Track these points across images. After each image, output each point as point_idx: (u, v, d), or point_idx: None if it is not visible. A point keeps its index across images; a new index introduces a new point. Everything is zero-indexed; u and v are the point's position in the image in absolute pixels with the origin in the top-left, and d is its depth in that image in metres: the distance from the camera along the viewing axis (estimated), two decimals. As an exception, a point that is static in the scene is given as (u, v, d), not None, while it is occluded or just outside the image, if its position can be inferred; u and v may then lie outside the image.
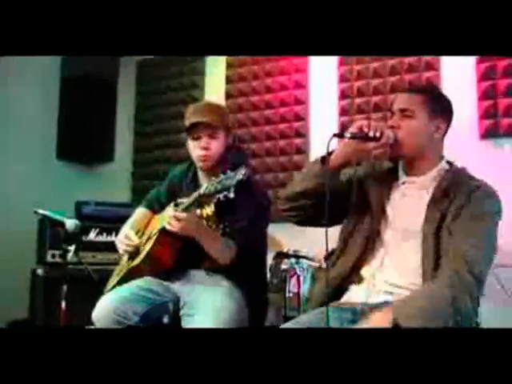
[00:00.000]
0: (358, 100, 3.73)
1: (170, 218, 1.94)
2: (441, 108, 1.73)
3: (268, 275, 2.78)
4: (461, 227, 1.58)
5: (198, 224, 1.99)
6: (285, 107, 3.99)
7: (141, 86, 4.69)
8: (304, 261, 2.94)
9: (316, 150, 3.76)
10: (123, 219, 2.35)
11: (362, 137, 1.64)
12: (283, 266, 2.93)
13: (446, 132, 1.75)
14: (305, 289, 2.90)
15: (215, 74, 4.33)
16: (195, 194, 1.91)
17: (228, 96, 4.21)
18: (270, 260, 2.90)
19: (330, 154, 1.67)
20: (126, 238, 2.18)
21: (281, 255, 2.99)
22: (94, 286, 2.34)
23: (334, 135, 1.64)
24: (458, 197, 1.62)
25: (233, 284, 2.08)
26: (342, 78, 3.80)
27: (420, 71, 3.55)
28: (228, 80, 4.24)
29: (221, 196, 1.78)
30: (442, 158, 1.76)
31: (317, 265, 2.92)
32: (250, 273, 2.11)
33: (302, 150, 3.89)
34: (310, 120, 3.91)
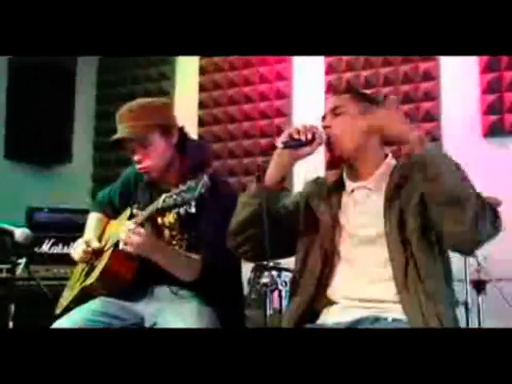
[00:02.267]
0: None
1: (124, 234, 1.94)
2: (370, 101, 1.84)
3: (246, 290, 2.76)
4: (433, 197, 1.60)
5: (154, 243, 1.99)
6: (265, 101, 4.02)
7: (103, 76, 4.67)
8: (286, 273, 2.93)
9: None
10: (82, 227, 2.33)
11: (294, 144, 1.72)
12: (263, 280, 2.89)
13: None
14: (286, 304, 2.90)
15: (187, 62, 4.33)
16: (153, 207, 1.90)
17: (202, 88, 4.22)
18: (248, 273, 2.92)
19: (263, 171, 1.76)
20: (85, 243, 2.17)
21: (260, 267, 2.97)
22: (48, 305, 2.31)
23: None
24: (411, 180, 1.70)
25: (203, 301, 2.07)
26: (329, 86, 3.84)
27: (416, 61, 3.60)
28: (202, 70, 4.24)
29: (180, 210, 1.79)
30: (386, 155, 1.83)
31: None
32: (222, 288, 2.10)
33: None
34: (293, 116, 3.95)
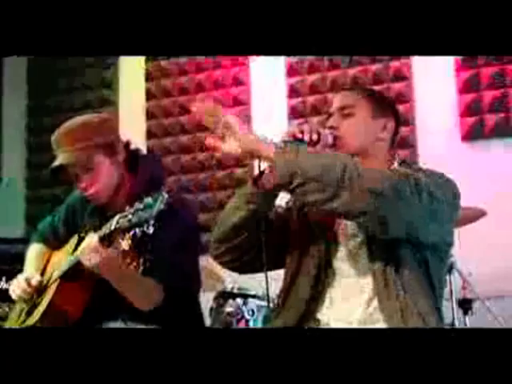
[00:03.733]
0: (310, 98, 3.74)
1: (85, 247, 1.90)
2: (383, 105, 1.85)
3: (208, 320, 2.72)
4: None
5: (114, 263, 1.94)
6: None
7: (34, 83, 4.56)
8: (253, 301, 2.88)
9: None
10: (17, 258, 2.32)
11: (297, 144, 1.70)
12: (227, 309, 2.88)
13: (396, 132, 1.85)
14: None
15: (131, 67, 4.25)
16: (105, 229, 1.86)
17: (149, 96, 4.13)
18: (210, 301, 2.87)
19: (261, 173, 1.74)
20: (25, 280, 2.12)
21: (224, 295, 2.94)
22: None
23: None
24: None
25: None
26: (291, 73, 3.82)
27: (387, 60, 3.61)
28: (148, 76, 4.17)
29: (137, 231, 1.76)
30: (392, 161, 1.83)
31: (270, 305, 2.86)
32: (179, 318, 2.07)
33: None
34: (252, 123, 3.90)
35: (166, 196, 1.73)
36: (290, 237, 1.83)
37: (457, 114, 3.43)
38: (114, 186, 2.08)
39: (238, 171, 3.89)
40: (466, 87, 3.42)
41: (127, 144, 2.14)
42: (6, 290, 2.97)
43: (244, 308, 2.83)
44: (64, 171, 2.09)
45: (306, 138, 1.69)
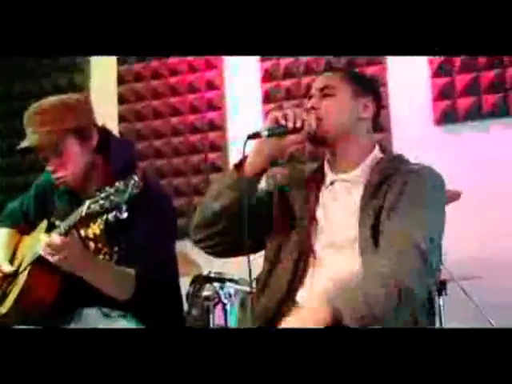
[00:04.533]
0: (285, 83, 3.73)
1: (44, 247, 1.84)
2: (364, 84, 1.86)
3: (185, 306, 2.71)
4: (401, 213, 1.64)
5: (82, 254, 1.90)
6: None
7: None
8: (230, 284, 2.89)
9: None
10: None
11: (280, 132, 1.70)
12: (204, 293, 2.88)
13: (376, 114, 1.85)
14: (232, 320, 2.86)
15: (102, 70, 4.20)
16: (76, 215, 1.82)
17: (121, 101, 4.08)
18: (186, 286, 2.85)
19: (243, 159, 1.75)
20: None
21: (200, 279, 2.93)
22: None
23: (249, 137, 1.71)
24: (393, 186, 1.69)
25: (139, 324, 2.01)
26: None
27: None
28: (120, 80, 4.11)
29: (109, 216, 1.74)
30: (374, 145, 1.83)
31: (247, 289, 2.88)
32: (159, 305, 2.05)
33: (217, 146, 3.86)
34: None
35: (138, 180, 1.71)
36: (271, 220, 1.83)
37: (430, 97, 3.45)
38: (84, 171, 2.04)
39: (213, 155, 3.89)
40: (438, 72, 3.44)
41: (101, 128, 2.10)
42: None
43: (221, 292, 2.82)
44: (33, 152, 2.06)
45: (290, 124, 1.69)
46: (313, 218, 1.77)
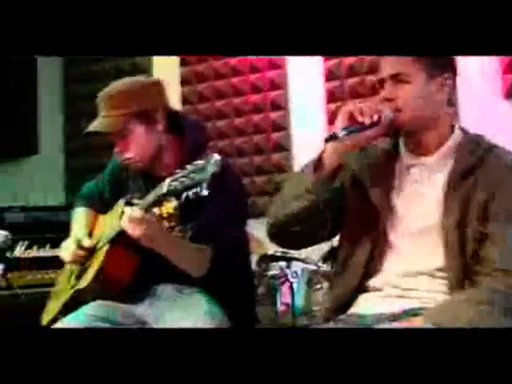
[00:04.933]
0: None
1: (126, 220, 1.88)
2: (439, 62, 1.70)
3: None
4: (499, 223, 1.57)
5: (162, 230, 1.94)
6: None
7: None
8: (296, 263, 2.90)
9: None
10: (60, 226, 2.32)
11: (356, 129, 1.64)
12: (271, 272, 2.91)
13: (453, 90, 1.74)
14: (299, 299, 2.88)
15: (164, 68, 4.21)
16: (156, 193, 1.84)
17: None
18: (253, 265, 2.88)
19: (319, 159, 1.70)
20: (75, 242, 2.12)
21: (266, 258, 2.96)
22: (29, 317, 2.24)
23: (326, 140, 1.66)
24: (484, 176, 1.62)
25: (212, 300, 2.04)
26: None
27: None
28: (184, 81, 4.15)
29: (190, 193, 1.73)
30: (453, 125, 1.74)
31: (313, 267, 2.89)
32: (232, 284, 2.08)
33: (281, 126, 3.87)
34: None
35: (219, 158, 1.72)
36: (345, 208, 1.78)
37: (500, 70, 3.33)
38: (152, 153, 2.07)
39: (274, 135, 3.91)
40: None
41: (170, 111, 2.13)
42: (51, 258, 3.03)
43: (288, 271, 2.85)
44: (100, 135, 2.11)
45: (367, 121, 1.62)
46: (389, 204, 1.72)
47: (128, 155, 2.07)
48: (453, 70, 1.73)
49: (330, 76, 3.76)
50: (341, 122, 1.65)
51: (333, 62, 3.75)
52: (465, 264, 1.59)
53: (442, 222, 1.63)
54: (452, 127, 1.74)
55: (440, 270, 1.63)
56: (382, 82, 1.71)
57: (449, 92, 1.71)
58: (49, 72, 4.49)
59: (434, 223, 1.64)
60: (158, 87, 2.14)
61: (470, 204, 1.60)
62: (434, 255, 1.64)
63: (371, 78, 3.54)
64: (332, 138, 1.64)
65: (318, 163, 1.69)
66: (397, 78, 1.67)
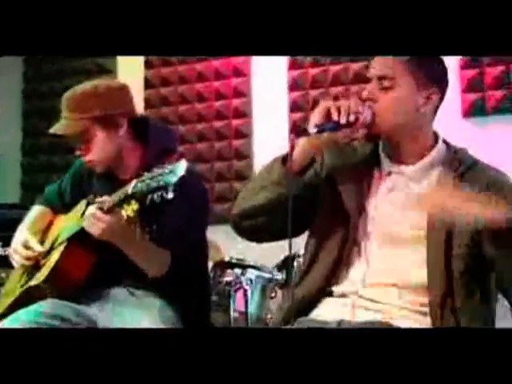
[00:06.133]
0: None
1: (89, 217, 1.90)
2: (430, 72, 1.66)
3: None
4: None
5: (125, 227, 1.96)
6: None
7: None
8: (251, 271, 2.92)
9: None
10: (13, 224, 2.26)
11: (331, 129, 1.60)
12: (225, 279, 2.91)
13: (438, 106, 1.70)
14: (253, 306, 2.89)
15: (129, 70, 4.23)
16: (121, 193, 1.86)
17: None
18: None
19: (289, 154, 1.65)
20: (24, 245, 2.11)
21: (222, 265, 2.96)
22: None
23: (296, 134, 1.63)
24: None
25: (165, 303, 2.05)
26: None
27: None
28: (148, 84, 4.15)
29: (155, 196, 1.74)
30: (436, 137, 1.72)
31: (268, 275, 2.90)
32: (188, 288, 2.10)
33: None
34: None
35: (186, 164, 1.73)
36: (316, 206, 1.74)
37: (459, 89, 3.42)
38: (113, 157, 2.09)
39: (236, 142, 3.93)
40: (467, 63, 3.43)
41: (135, 116, 2.13)
42: (2, 256, 2.99)
43: (242, 278, 2.86)
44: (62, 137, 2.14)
45: (343, 120, 1.58)
46: (361, 211, 1.68)
47: (89, 158, 2.08)
48: (441, 85, 1.69)
49: (294, 86, 3.82)
50: (316, 117, 1.62)
51: (298, 72, 3.81)
52: (444, 295, 1.57)
53: (429, 236, 1.59)
54: (436, 139, 1.71)
55: (412, 284, 1.61)
56: (368, 81, 1.68)
57: (434, 107, 1.68)
58: (8, 70, 4.46)
59: (412, 236, 1.62)
60: (123, 92, 2.14)
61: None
62: (405, 268, 1.61)
63: (334, 90, 3.62)
64: (302, 133, 1.61)
65: (287, 157, 1.65)
66: (382, 82, 1.64)
